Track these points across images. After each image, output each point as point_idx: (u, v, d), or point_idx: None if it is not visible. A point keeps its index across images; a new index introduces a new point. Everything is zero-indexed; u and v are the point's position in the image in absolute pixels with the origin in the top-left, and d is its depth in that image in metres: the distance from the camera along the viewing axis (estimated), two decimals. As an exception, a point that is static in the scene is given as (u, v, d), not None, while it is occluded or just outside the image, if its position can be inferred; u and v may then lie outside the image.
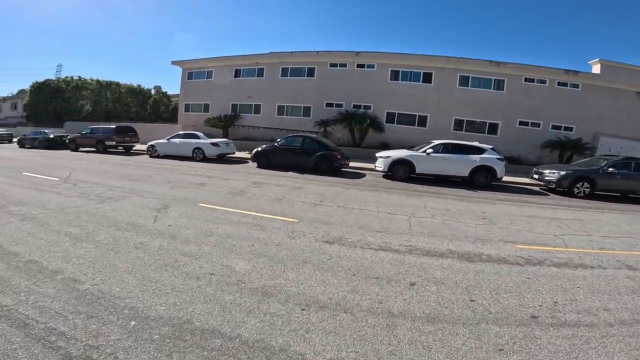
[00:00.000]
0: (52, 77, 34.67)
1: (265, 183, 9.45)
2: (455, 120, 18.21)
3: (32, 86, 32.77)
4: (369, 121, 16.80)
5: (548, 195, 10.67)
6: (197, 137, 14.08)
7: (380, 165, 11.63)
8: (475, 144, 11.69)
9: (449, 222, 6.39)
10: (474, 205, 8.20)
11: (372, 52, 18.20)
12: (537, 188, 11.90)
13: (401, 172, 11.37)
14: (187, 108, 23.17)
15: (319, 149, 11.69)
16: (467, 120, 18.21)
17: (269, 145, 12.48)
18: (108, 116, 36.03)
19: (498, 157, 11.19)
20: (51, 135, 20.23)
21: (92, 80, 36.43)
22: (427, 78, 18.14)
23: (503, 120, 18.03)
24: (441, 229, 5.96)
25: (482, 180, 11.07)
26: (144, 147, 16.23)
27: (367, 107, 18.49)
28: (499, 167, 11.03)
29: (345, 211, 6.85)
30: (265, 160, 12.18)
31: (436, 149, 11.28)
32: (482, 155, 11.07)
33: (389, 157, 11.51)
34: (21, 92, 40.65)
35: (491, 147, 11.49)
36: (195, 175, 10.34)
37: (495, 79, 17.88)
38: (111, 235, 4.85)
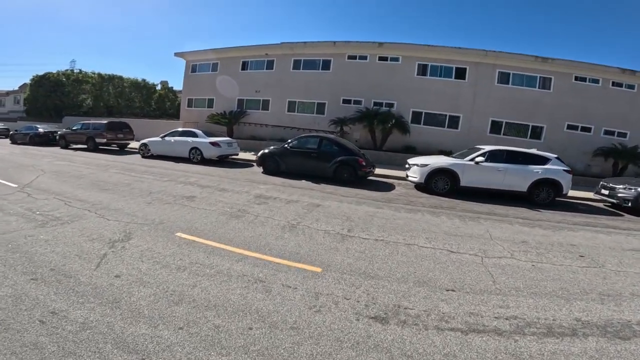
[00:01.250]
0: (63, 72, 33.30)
1: (272, 198, 7.33)
2: (493, 122, 15.83)
3: (32, 80, 31.42)
4: (393, 121, 14.56)
5: (622, 215, 8.63)
6: (195, 135, 12.07)
7: (414, 175, 9.41)
8: (534, 151, 9.43)
9: (541, 266, 4.46)
10: (552, 233, 6.20)
11: (397, 43, 15.97)
12: (601, 204, 9.79)
13: (441, 184, 9.17)
14: (190, 103, 21.29)
15: (340, 153, 9.53)
16: (506, 123, 15.81)
17: (278, 146, 10.38)
18: (110, 111, 34.60)
19: (565, 168, 8.95)
20: (41, 131, 18.58)
21: (94, 73, 35.00)
22: (461, 74, 15.81)
23: (548, 123, 15.59)
24: (538, 278, 4.05)
25: (543, 196, 8.89)
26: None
27: (389, 105, 16.26)
28: (566, 181, 8.83)
29: (388, 249, 4.74)
30: (273, 165, 10.08)
31: (488, 157, 9.02)
32: (546, 166, 8.82)
33: (426, 165, 9.28)
34: (23, 86, 39.54)
35: (555, 156, 9.21)
36: (186, 183, 8.28)
37: (540, 77, 15.45)
38: (11, 294, 2.84)
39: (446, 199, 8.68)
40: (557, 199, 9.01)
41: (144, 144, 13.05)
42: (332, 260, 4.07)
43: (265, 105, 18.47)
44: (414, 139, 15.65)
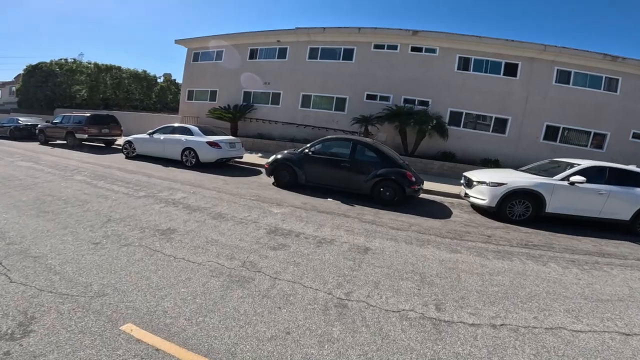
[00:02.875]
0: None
1: (294, 234, 4.86)
2: (548, 127, 13.25)
3: (25, 70, 29.27)
4: (434, 122, 12.04)
5: None
6: (189, 132, 9.66)
7: (481, 196, 6.97)
8: (633, 168, 7.05)
9: None
10: None
11: (435, 31, 13.43)
12: None
13: (520, 209, 6.77)
14: (191, 96, 18.91)
15: (381, 164, 7.07)
16: (563, 128, 13.23)
17: (294, 150, 7.94)
18: (107, 104, 32.48)
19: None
20: (22, 125, 16.35)
21: (90, 63, 32.82)
22: (511, 70, 13.24)
23: (613, 130, 12.99)
24: None
25: (654, 227, 6.52)
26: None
27: (422, 103, 13.75)
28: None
29: (528, 347, 2.20)
30: (289, 176, 7.62)
31: (585, 176, 6.60)
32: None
33: (500, 184, 6.82)
34: (18, 76, 37.52)
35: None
36: (167, 202, 5.84)
37: (606, 77, 12.85)
38: None
39: (528, 229, 6.36)
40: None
41: (129, 142, 10.67)
42: None
43: (275, 99, 16.02)
44: (451, 143, 13.13)
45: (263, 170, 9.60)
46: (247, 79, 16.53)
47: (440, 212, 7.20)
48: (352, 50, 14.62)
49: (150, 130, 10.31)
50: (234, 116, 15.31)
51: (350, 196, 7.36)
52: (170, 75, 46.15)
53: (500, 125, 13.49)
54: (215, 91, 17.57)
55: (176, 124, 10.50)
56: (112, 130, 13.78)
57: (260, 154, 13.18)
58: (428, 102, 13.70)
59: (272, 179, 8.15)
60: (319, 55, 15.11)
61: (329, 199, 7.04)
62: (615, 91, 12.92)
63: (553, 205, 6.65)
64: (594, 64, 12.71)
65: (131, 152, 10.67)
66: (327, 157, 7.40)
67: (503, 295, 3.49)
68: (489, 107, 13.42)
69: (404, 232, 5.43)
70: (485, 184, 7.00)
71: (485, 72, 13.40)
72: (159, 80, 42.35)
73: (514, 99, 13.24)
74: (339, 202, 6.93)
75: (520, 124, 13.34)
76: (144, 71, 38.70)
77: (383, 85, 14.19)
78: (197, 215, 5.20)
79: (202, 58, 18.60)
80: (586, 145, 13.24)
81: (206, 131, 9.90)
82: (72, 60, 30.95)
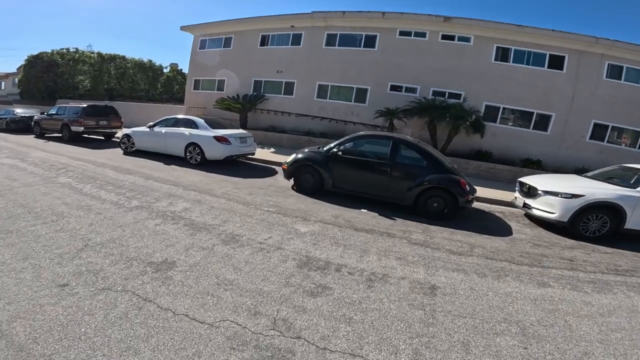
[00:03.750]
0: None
1: (332, 265, 3.64)
2: (595, 125, 11.76)
3: (27, 60, 28.28)
4: (473, 117, 10.64)
5: None
6: (194, 125, 8.43)
7: (550, 208, 5.74)
8: None
9: None
10: None
11: (470, 18, 11.92)
12: None
13: (595, 225, 5.57)
14: (197, 85, 17.67)
15: (428, 169, 5.78)
16: (612, 127, 11.73)
17: (318, 149, 6.65)
18: (110, 94, 31.55)
19: None
20: (18, 116, 15.32)
21: (93, 53, 31.78)
22: (556, 63, 11.72)
23: (668, 130, 11.47)
24: None
25: None
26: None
27: (454, 96, 12.32)
28: None
29: None
30: (313, 180, 6.34)
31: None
32: None
33: (575, 196, 5.57)
34: (20, 67, 36.72)
35: None
36: (166, 216, 4.63)
37: (660, 73, 11.31)
38: None
39: (607, 249, 5.30)
40: None
41: (127, 136, 9.49)
42: None
43: (288, 88, 14.67)
44: (486, 141, 11.72)
45: (279, 170, 8.38)
46: (258, 67, 15.21)
47: (496, 226, 5.93)
48: (374, 37, 13.17)
49: (151, 123, 9.10)
50: (244, 107, 14.04)
51: (386, 206, 6.08)
52: (176, 65, 44.87)
53: (542, 122, 12.03)
54: (223, 80, 16.28)
55: (180, 116, 9.27)
56: (112, 122, 12.62)
57: (273, 149, 11.93)
58: (460, 94, 12.25)
59: (290, 182, 6.90)
60: (337, 41, 13.69)
61: (363, 210, 5.77)
62: (671, 88, 11.36)
63: (635, 221, 5.48)
64: (650, 57, 11.15)
65: (130, 147, 9.50)
66: (361, 159, 6.11)
67: (631, 343, 2.70)
68: (530, 102, 11.95)
69: (468, 258, 4.21)
70: (557, 195, 5.71)
71: (527, 64, 11.91)
72: (165, 70, 41.21)
73: (559, 94, 11.75)
74: (376, 214, 5.66)
75: (565, 121, 11.86)
76: (150, 61, 37.55)
77: (409, 75, 12.76)
78: (204, 238, 3.98)
79: (209, 45, 17.30)
80: (635, 146, 11.74)
81: (213, 124, 8.65)
82: (74, 49, 29.84)
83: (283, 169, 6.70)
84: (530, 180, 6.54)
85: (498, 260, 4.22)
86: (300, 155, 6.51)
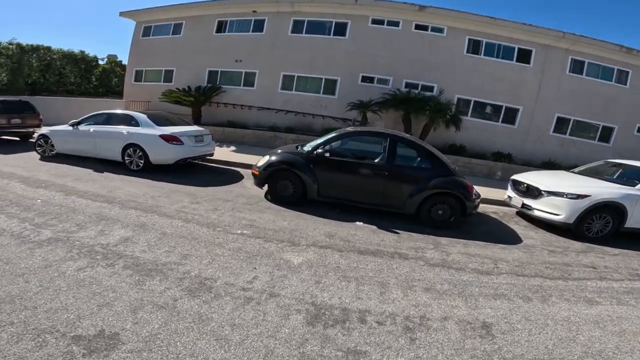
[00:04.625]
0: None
1: (351, 313, 2.56)
2: (559, 118, 12.10)
3: None
4: (453, 111, 10.20)
5: None
6: (133, 122, 6.66)
7: (556, 210, 5.38)
8: None
9: None
10: None
11: (444, 8, 11.47)
12: None
13: (599, 225, 5.34)
14: (139, 77, 15.21)
15: (431, 171, 4.92)
16: (574, 120, 12.16)
17: (297, 149, 5.45)
18: (33, 89, 27.08)
19: None
20: None
21: (11, 44, 27.13)
22: (524, 57, 11.78)
23: (620, 124, 12.20)
24: None
25: None
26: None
27: (427, 89, 11.85)
28: None
29: None
30: (294, 188, 5.13)
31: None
32: None
33: (581, 196, 5.19)
34: None
35: None
36: (94, 255, 3.09)
37: (617, 69, 11.94)
38: None
39: (614, 250, 5.06)
40: None
41: (44, 136, 7.34)
42: None
43: (249, 80, 13.08)
44: (458, 134, 11.43)
45: (246, 173, 7.01)
46: (214, 56, 13.40)
47: (500, 231, 5.40)
48: (345, 25, 12.16)
49: (74, 120, 7.08)
50: (197, 100, 12.18)
51: (382, 215, 5.13)
52: (115, 56, 40.09)
53: (510, 115, 12.09)
54: (172, 71, 14.15)
55: (115, 111, 7.38)
56: (27, 120, 10.05)
57: (233, 147, 10.41)
58: (433, 87, 11.82)
59: (263, 189, 5.62)
60: (304, 29, 12.45)
61: (358, 224, 4.74)
62: (626, 84, 12.07)
63: (635, 220, 5.29)
64: (608, 54, 11.67)
65: (48, 151, 7.37)
66: (353, 161, 5.06)
67: None
68: (499, 95, 11.91)
69: (499, 277, 3.60)
70: (562, 195, 5.25)
71: (497, 57, 11.81)
72: (100, 62, 36.49)
73: (526, 88, 11.85)
74: (374, 227, 4.67)
75: (531, 114, 12.04)
76: (82, 52, 32.92)
77: (381, 66, 12.01)
78: (158, 288, 2.63)
79: (155, 32, 14.95)
80: (594, 139, 12.34)
81: (159, 120, 6.94)
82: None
83: (253, 174, 5.38)
84: (527, 179, 6.07)
85: (529, 277, 3.71)
86: (274, 158, 5.25)
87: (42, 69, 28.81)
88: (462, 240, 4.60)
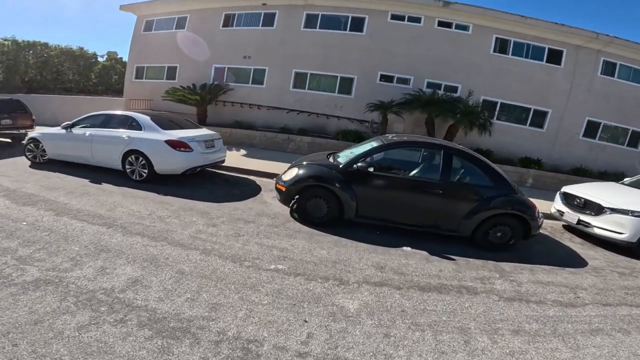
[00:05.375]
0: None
1: None
2: (589, 122, 11.36)
3: None
4: (486, 114, 9.51)
5: None
6: (135, 124, 5.83)
7: (620, 229, 4.92)
8: None
9: None
10: None
11: (470, 5, 10.68)
12: None
13: None
14: (140, 74, 14.37)
15: (493, 188, 4.19)
16: (604, 125, 11.42)
17: (328, 159, 4.68)
18: (30, 87, 26.31)
19: None
20: None
21: (6, 40, 26.38)
22: (555, 57, 11.02)
23: (650, 128, 11.48)
24: None
25: None
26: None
27: (450, 89, 11.07)
28: None
29: None
30: (329, 208, 4.32)
31: None
32: None
33: None
34: None
35: None
36: (95, 302, 2.25)
37: (649, 72, 11.22)
38: None
39: None
40: None
41: (34, 140, 6.51)
42: None
43: (258, 77, 12.25)
44: (483, 138, 10.68)
45: (262, 182, 6.22)
46: (221, 52, 12.57)
47: (560, 251, 4.92)
48: (362, 20, 11.35)
49: (68, 122, 6.26)
50: (203, 99, 11.35)
51: (425, 235, 4.40)
52: (115, 53, 39.17)
53: (539, 118, 11.35)
54: (175, 67, 13.32)
55: (114, 111, 6.53)
56: (19, 120, 9.26)
57: (243, 150, 9.62)
58: (457, 87, 11.05)
59: (288, 209, 4.82)
60: (318, 23, 11.62)
61: (406, 249, 4.01)
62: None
63: None
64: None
65: (40, 157, 6.56)
66: (401, 177, 4.32)
67: None
68: (527, 97, 11.16)
69: (585, 309, 3.20)
70: (627, 213, 4.64)
71: (527, 57, 11.07)
72: (100, 59, 35.60)
73: (556, 90, 11.12)
74: (425, 253, 3.97)
75: (561, 117, 11.28)
76: (80, 48, 32.06)
77: (401, 64, 11.22)
78: (190, 356, 1.86)
79: (157, 27, 14.11)
80: (623, 144, 11.61)
81: (164, 122, 6.11)
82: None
83: (278, 190, 4.58)
84: (583, 192, 5.38)
85: (615, 306, 3.32)
86: (304, 171, 4.44)
87: (39, 66, 28.04)
88: (525, 265, 4.00)
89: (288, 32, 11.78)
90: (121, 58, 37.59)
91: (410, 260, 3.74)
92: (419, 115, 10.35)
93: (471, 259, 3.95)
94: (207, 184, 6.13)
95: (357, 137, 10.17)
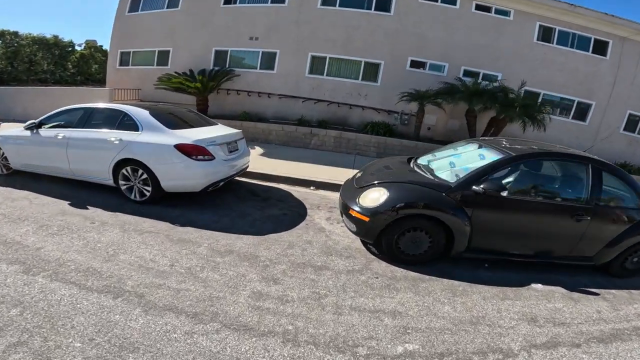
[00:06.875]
0: None
1: None
2: (630, 116, 10.51)
3: None
4: (547, 108, 8.51)
5: None
6: (129, 122, 4.22)
7: None
8: None
9: None
10: None
11: (513, -12, 9.44)
12: None
13: None
14: (126, 60, 12.45)
15: (637, 212, 3.11)
16: (643, 118, 10.61)
17: (427, 177, 3.31)
18: (0, 79, 23.90)
19: None
20: None
21: None
22: (600, 48, 10.03)
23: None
24: None
25: None
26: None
27: (488, 78, 9.84)
28: None
29: None
30: (431, 242, 3.00)
31: None
32: None
33: None
34: None
35: None
36: None
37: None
38: None
39: None
40: None
41: (-9, 143, 4.85)
42: None
43: (268, 61, 10.56)
44: (527, 132, 9.59)
45: (301, 194, 4.78)
46: (222, 33, 10.85)
47: None
48: (389, -2, 9.88)
49: (33, 121, 4.57)
50: (205, 86, 9.62)
51: (537, 266, 3.28)
52: (94, 42, 36.20)
53: (582, 111, 10.41)
54: (168, 51, 11.50)
55: (99, 105, 4.81)
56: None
57: (260, 149, 8.12)
58: (497, 76, 9.80)
59: (360, 237, 3.46)
60: (337, 1, 10.06)
61: (535, 286, 3.01)
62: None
63: None
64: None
65: (2, 168, 4.92)
66: (536, 201, 3.05)
67: None
68: (570, 89, 10.18)
69: None
70: None
71: (572, 47, 10.03)
72: (77, 48, 32.76)
73: (600, 82, 10.21)
74: (561, 288, 3.13)
75: (604, 111, 10.36)
76: (55, 37, 29.31)
77: (434, 50, 9.86)
78: None
79: (144, 6, 12.15)
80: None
81: (167, 118, 4.49)
82: None
83: (357, 220, 3.11)
84: None
85: None
86: (399, 195, 3.03)
87: (9, 57, 25.46)
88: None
89: (303, 10, 10.14)
90: (101, 46, 34.77)
91: (557, 303, 2.80)
92: (455, 107, 9.09)
93: (612, 290, 3.17)
94: (231, 200, 4.66)
95: (388, 131, 9.04)
